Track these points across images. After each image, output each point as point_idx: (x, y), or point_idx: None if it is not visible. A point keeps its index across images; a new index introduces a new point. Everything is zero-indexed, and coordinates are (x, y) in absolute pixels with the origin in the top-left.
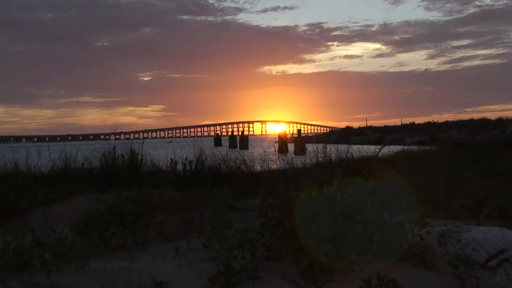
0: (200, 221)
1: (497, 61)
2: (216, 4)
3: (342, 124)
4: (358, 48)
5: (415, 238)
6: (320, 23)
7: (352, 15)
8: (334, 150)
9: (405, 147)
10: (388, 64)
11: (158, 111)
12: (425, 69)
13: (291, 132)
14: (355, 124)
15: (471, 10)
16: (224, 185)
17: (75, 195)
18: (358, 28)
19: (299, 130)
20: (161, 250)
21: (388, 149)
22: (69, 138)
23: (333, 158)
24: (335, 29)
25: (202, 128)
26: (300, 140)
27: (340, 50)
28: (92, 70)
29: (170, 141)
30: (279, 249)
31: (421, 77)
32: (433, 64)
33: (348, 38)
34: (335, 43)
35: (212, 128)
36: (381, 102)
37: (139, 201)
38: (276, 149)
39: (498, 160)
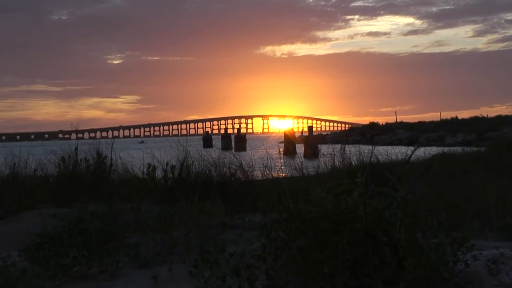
0: (186, 243)
1: None
2: None
3: (364, 120)
4: (385, 23)
5: (458, 265)
6: None
7: None
8: (354, 152)
9: (446, 149)
10: (423, 44)
11: (131, 103)
12: None
13: (300, 129)
14: (381, 120)
15: None
16: (216, 197)
17: (25, 209)
18: None
19: (310, 127)
20: (135, 279)
21: (424, 151)
22: (18, 137)
23: (353, 162)
24: None
25: (188, 125)
26: (312, 140)
27: (362, 25)
28: (47, 51)
29: (142, 142)
30: (285, 277)
31: (466, 60)
32: (482, 43)
33: (373, 10)
34: (356, 16)
35: (200, 124)
36: (414, 91)
37: (108, 217)
38: (282, 151)
39: None
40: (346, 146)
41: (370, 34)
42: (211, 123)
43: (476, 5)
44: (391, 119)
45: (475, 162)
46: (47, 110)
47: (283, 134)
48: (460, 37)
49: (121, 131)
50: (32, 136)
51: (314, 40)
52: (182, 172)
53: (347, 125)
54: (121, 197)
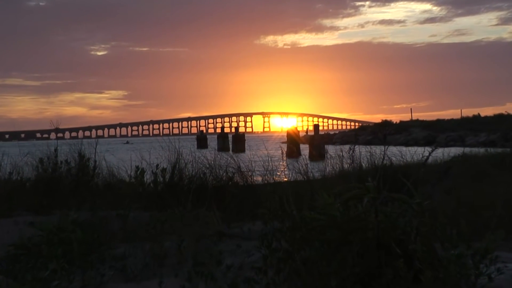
0: (178, 254)
1: None
2: None
3: (376, 118)
4: (399, 9)
5: (480, 279)
6: None
7: None
8: (365, 153)
9: (467, 150)
10: (442, 33)
11: (117, 99)
12: None
13: (304, 128)
14: (395, 118)
15: None
16: (211, 203)
17: None
18: None
19: (316, 126)
20: None
21: (442, 153)
22: None
23: (363, 165)
24: None
25: (180, 123)
26: (318, 140)
27: (373, 13)
28: (24, 41)
29: (127, 142)
30: None
31: (489, 51)
32: (507, 32)
33: None
34: (367, 2)
35: (194, 123)
36: (432, 86)
37: (91, 225)
38: (284, 152)
39: None
40: (355, 146)
41: (383, 22)
42: (206, 121)
43: None
44: (405, 116)
45: (499, 164)
46: (23, 107)
47: (285, 134)
48: (483, 26)
49: (106, 130)
50: (7, 136)
51: (320, 29)
52: (173, 175)
53: (357, 124)
54: (106, 203)
